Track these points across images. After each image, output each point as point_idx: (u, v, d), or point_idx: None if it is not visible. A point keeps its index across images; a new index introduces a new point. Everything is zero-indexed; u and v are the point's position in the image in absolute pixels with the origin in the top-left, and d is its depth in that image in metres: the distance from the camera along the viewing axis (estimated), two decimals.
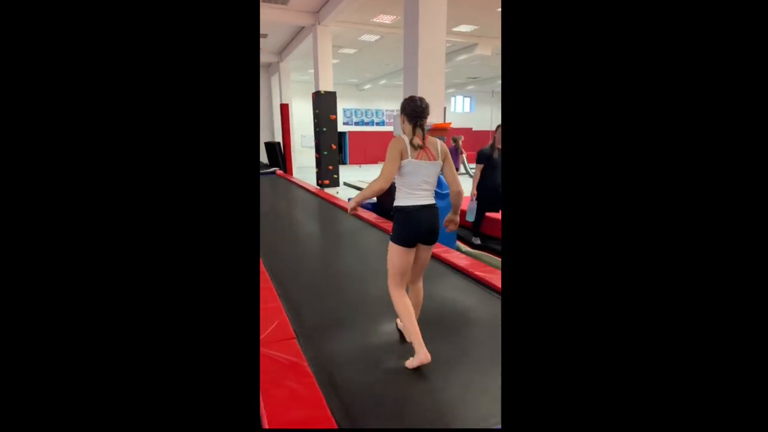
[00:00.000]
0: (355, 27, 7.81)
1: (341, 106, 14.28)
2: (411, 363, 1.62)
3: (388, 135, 17.07)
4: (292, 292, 2.51)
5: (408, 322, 1.66)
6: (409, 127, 1.68)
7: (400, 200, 1.70)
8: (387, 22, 7.65)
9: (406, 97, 1.74)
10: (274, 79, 11.97)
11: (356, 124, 16.06)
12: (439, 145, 1.71)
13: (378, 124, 16.60)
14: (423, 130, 1.66)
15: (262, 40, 9.28)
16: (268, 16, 7.10)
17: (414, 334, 1.62)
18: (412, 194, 1.67)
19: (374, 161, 16.17)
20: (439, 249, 3.08)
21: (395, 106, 16.49)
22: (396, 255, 1.69)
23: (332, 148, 7.77)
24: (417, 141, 1.63)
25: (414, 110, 1.66)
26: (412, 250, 1.70)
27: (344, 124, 15.58)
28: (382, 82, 14.33)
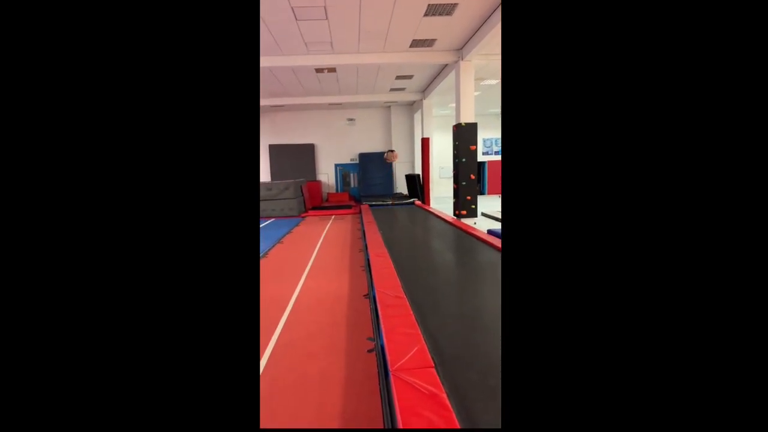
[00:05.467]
0: (497, 58, 7.78)
1: (481, 136, 14.21)
2: None
3: None
4: (430, 321, 2.52)
5: None
6: None
7: None
8: None
9: None
10: (417, 116, 12.74)
11: (496, 153, 15.69)
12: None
13: None
14: None
15: (408, 81, 10.07)
16: (415, 58, 7.69)
17: None
18: None
19: None
20: None
21: None
22: None
23: (471, 178, 7.73)
24: None
25: None
26: None
27: (483, 154, 15.41)
28: None
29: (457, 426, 1.40)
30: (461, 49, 7.49)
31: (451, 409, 1.49)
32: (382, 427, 1.68)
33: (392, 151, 7.25)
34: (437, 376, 1.73)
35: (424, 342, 2.08)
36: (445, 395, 1.58)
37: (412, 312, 2.55)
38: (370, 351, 2.47)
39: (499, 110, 13.99)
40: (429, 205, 10.47)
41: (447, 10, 5.68)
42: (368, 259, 4.28)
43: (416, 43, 7.15)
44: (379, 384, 2.02)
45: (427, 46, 7.30)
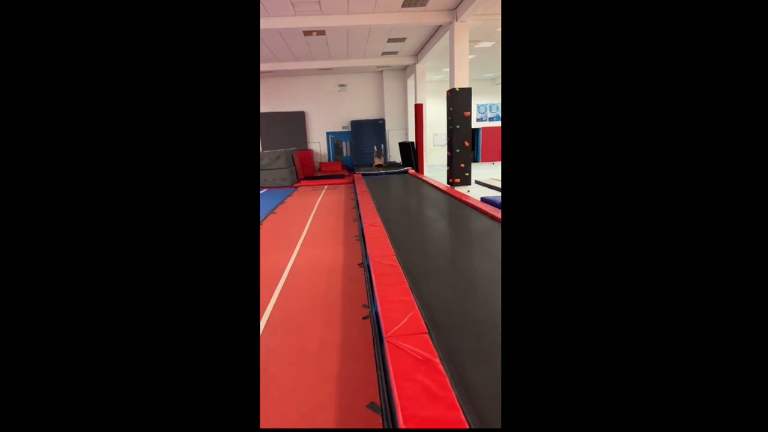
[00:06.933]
0: (494, 18, 7.47)
1: (475, 102, 13.92)
2: None
3: None
4: (424, 288, 2.55)
5: None
6: None
7: None
8: None
9: None
10: (410, 81, 12.38)
11: (491, 119, 15.45)
12: None
13: None
14: None
15: (400, 44, 9.70)
16: (407, 19, 7.36)
17: None
18: None
19: None
20: None
21: None
22: None
23: (465, 145, 7.63)
24: None
25: None
26: None
27: (478, 120, 15.17)
28: None
29: (451, 391, 1.43)
30: (456, 8, 7.18)
31: (445, 374, 1.52)
32: (377, 391, 1.72)
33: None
34: (431, 342, 1.76)
35: (417, 309, 2.10)
36: (438, 360, 1.61)
37: (405, 280, 2.56)
38: (365, 318, 2.50)
39: (493, 74, 13.64)
40: (423, 173, 10.39)
41: None
42: (362, 229, 4.27)
43: (408, 3, 6.83)
44: (374, 350, 2.06)
45: (420, 5, 6.97)
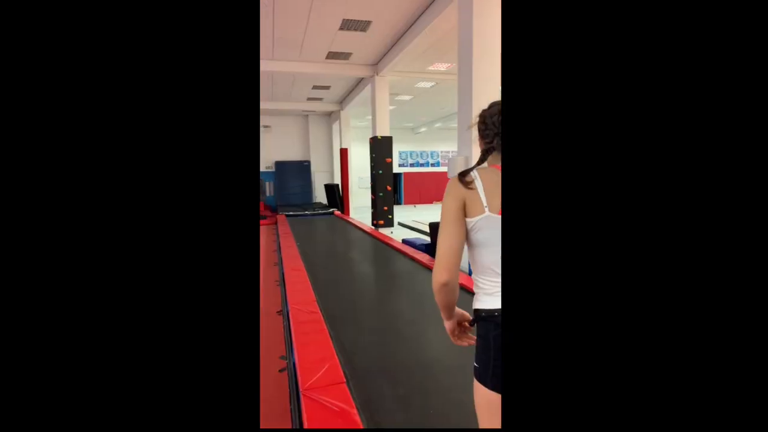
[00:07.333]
0: (411, 76, 8.19)
1: (397, 149, 14.75)
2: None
3: (443, 175, 17.06)
4: (345, 334, 2.52)
5: None
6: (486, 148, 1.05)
7: (480, 297, 0.99)
8: (442, 69, 7.95)
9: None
10: (335, 126, 12.77)
11: (412, 165, 16.42)
12: None
13: (433, 165, 16.88)
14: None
15: (325, 92, 10.06)
16: (332, 70, 7.74)
17: None
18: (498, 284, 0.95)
19: (429, 201, 16.27)
20: None
21: (450, 147, 16.63)
22: (486, 406, 0.96)
23: (387, 189, 7.97)
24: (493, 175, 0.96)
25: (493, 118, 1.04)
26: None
27: (400, 165, 16.01)
28: (437, 125, 14.68)
29: None
30: (377, 64, 7.74)
31: (361, 424, 1.50)
32: None
33: None
34: (348, 392, 1.73)
35: (336, 357, 2.06)
36: (355, 410, 1.59)
37: (326, 327, 2.52)
38: (281, 370, 2.38)
39: (413, 124, 14.70)
40: (348, 215, 10.50)
41: (361, 26, 5.84)
42: (282, 274, 4.13)
43: (332, 55, 7.20)
44: (291, 404, 1.96)
45: (344, 58, 7.40)
